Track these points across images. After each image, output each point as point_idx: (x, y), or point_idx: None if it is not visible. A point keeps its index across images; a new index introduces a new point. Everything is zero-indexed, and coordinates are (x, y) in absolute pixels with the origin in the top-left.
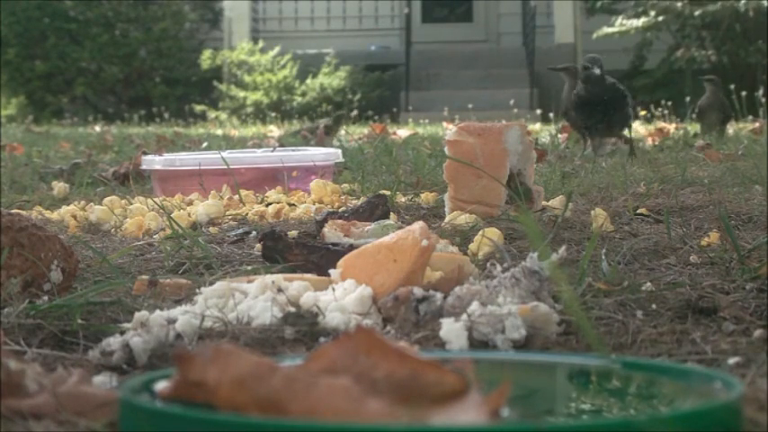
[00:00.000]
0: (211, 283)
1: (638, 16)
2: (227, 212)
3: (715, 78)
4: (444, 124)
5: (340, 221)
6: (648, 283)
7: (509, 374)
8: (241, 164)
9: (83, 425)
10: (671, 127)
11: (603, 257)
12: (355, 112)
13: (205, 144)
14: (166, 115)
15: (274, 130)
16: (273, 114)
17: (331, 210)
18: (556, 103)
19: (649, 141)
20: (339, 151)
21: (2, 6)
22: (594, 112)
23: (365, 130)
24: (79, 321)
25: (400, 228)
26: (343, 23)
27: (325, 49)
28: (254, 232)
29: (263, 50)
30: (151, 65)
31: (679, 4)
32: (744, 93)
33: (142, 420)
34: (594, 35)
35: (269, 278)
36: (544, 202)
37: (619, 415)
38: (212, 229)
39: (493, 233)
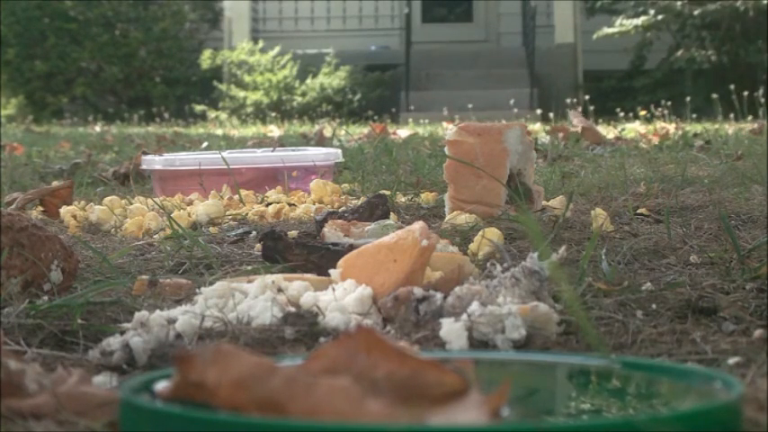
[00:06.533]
0: (211, 283)
1: (637, 16)
2: (227, 212)
3: None
4: (444, 124)
5: (340, 221)
6: (648, 283)
7: (509, 374)
8: (241, 164)
9: (83, 425)
10: (671, 127)
11: (603, 257)
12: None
13: (205, 144)
14: (166, 115)
15: (274, 130)
16: (273, 114)
17: (331, 210)
18: (556, 102)
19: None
20: (339, 151)
21: (2, 6)
22: None
23: (365, 130)
24: (79, 321)
25: (400, 228)
26: (343, 23)
27: (325, 49)
28: (254, 232)
29: (263, 50)
30: (151, 65)
31: (679, 4)
32: (744, 93)
33: (142, 420)
34: (594, 35)
35: (269, 278)
36: (544, 202)
37: (619, 415)
38: (212, 229)
39: (493, 233)
